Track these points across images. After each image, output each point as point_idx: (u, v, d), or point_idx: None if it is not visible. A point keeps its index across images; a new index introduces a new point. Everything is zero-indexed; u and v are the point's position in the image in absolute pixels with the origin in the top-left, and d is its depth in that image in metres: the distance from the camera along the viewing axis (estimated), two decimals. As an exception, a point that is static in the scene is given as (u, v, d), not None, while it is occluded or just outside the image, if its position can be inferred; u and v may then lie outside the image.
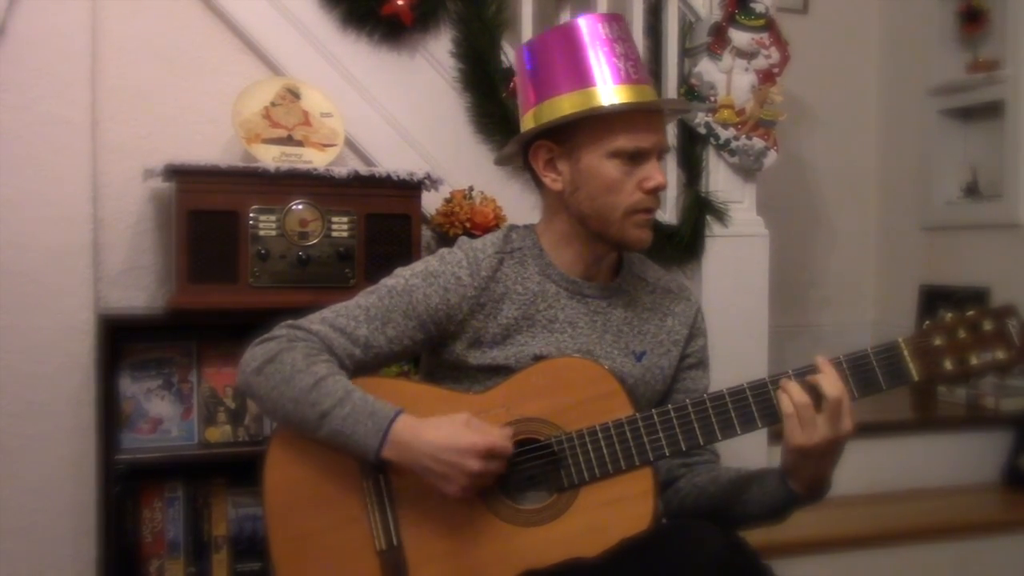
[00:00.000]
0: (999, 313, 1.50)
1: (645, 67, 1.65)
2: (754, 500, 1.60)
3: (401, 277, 1.65)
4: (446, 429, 1.50)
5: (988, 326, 1.49)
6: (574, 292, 1.67)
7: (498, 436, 1.50)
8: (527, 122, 1.66)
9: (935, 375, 1.50)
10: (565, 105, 1.59)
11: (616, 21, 1.64)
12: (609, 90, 1.58)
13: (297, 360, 1.55)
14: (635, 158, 1.58)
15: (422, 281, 1.63)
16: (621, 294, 1.71)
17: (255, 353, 1.60)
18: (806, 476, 1.53)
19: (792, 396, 1.47)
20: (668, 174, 2.91)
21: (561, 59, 1.61)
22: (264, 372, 1.57)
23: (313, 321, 1.62)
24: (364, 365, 1.63)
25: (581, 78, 1.59)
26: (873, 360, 1.50)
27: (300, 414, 1.54)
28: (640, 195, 1.60)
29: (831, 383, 1.46)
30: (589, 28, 1.61)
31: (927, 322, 1.53)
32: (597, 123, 1.58)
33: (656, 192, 1.61)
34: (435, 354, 1.69)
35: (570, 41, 1.61)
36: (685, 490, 1.72)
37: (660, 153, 1.62)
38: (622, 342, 1.68)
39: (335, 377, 1.54)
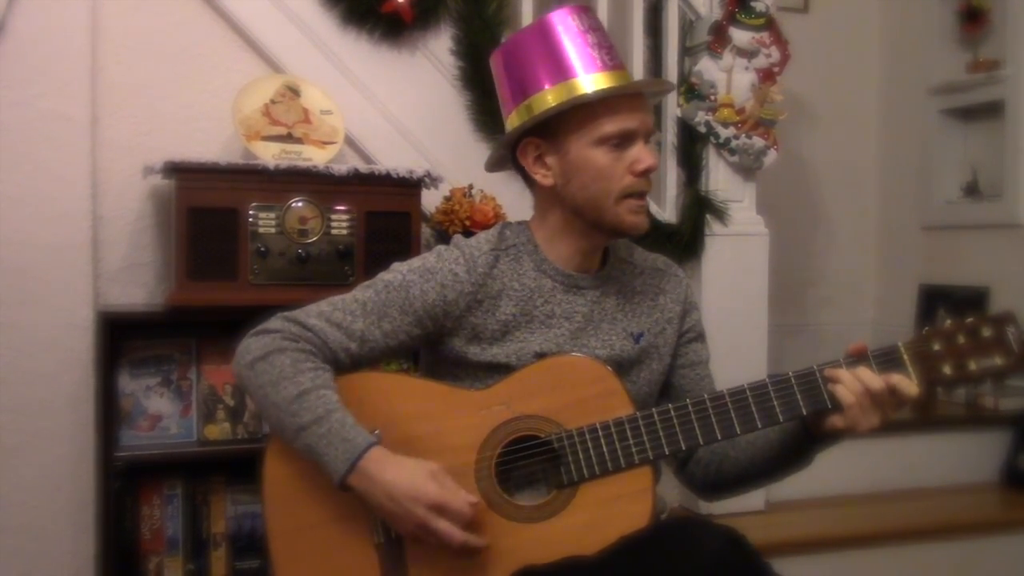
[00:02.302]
0: (998, 320, 1.51)
1: (618, 53, 1.67)
2: (780, 456, 1.63)
3: (398, 272, 1.65)
4: (409, 473, 1.49)
5: (987, 332, 1.50)
6: (570, 286, 1.67)
7: (457, 497, 1.49)
8: (509, 124, 1.67)
9: (934, 379, 1.51)
10: (546, 101, 1.61)
11: (584, 12, 1.66)
12: (588, 79, 1.59)
13: (286, 365, 1.55)
14: (622, 142, 1.60)
15: (419, 277, 1.63)
16: (612, 281, 1.72)
17: (249, 346, 1.61)
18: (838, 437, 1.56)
19: (852, 387, 1.49)
20: (668, 173, 2.92)
21: (536, 56, 1.63)
22: (255, 368, 1.58)
23: (310, 314, 1.62)
24: (360, 359, 1.63)
25: (558, 72, 1.61)
26: (873, 363, 1.51)
27: (280, 421, 1.55)
28: (631, 179, 1.61)
29: (907, 383, 1.49)
30: (560, 22, 1.63)
31: (927, 328, 1.54)
32: (580, 113, 1.59)
33: (647, 174, 1.62)
34: (435, 351, 1.69)
35: (543, 37, 1.63)
36: (706, 459, 1.73)
37: (647, 135, 1.63)
38: (619, 327, 1.69)
39: (319, 392, 1.54)
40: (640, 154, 1.60)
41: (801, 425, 1.57)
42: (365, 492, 1.50)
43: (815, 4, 4.01)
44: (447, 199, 2.59)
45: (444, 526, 1.47)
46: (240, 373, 1.61)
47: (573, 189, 1.62)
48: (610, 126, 1.59)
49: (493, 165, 1.80)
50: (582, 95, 1.58)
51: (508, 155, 1.71)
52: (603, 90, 1.58)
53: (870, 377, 1.48)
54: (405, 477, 1.48)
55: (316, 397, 1.53)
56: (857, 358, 1.52)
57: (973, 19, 3.62)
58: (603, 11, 2.86)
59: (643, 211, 1.64)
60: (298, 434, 1.52)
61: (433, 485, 1.48)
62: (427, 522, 1.47)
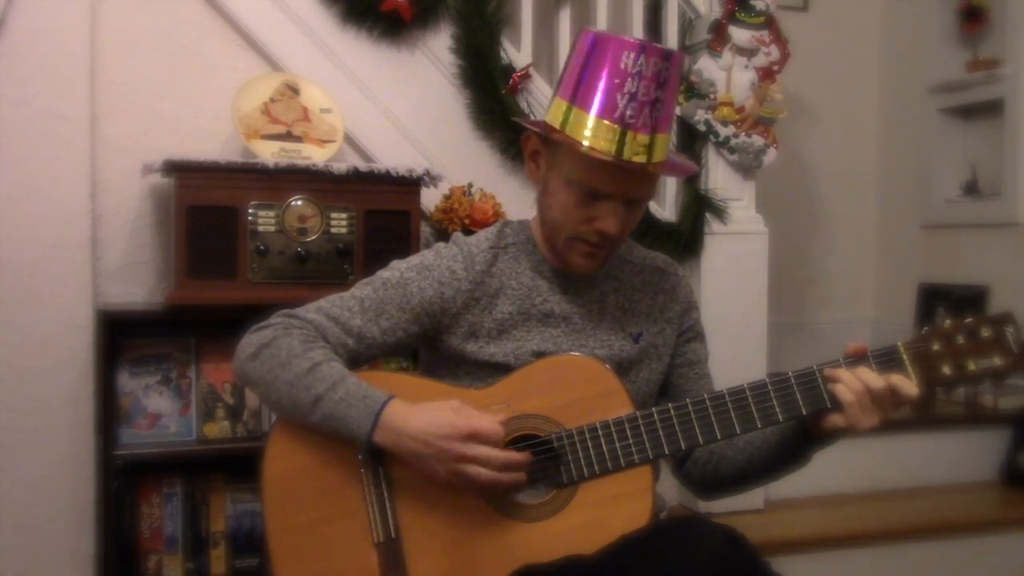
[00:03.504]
0: (997, 320, 1.51)
1: (654, 113, 1.51)
2: (778, 456, 1.62)
3: (396, 270, 1.66)
4: (432, 414, 1.51)
5: (986, 333, 1.51)
6: (567, 286, 1.68)
7: (484, 421, 1.50)
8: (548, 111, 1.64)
9: (933, 379, 1.52)
10: (557, 112, 1.57)
11: (653, 54, 1.51)
12: (593, 121, 1.51)
13: (294, 345, 1.57)
14: (591, 195, 1.56)
15: (417, 274, 1.64)
16: (610, 280, 1.72)
17: (251, 340, 1.62)
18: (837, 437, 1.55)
19: (852, 386, 1.48)
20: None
21: (583, 66, 1.54)
22: (260, 357, 1.58)
23: (308, 310, 1.63)
24: (357, 356, 1.63)
25: (580, 94, 1.53)
26: (873, 363, 1.51)
27: (294, 398, 1.55)
28: (587, 228, 1.58)
29: (907, 383, 1.48)
30: (620, 51, 1.51)
31: (926, 327, 1.54)
32: (569, 146, 1.54)
33: (603, 235, 1.57)
34: (432, 349, 1.70)
35: (598, 54, 1.53)
36: (703, 459, 1.73)
37: (627, 200, 1.57)
38: (618, 326, 1.69)
39: (330, 363, 1.55)
40: (604, 214, 1.56)
41: (799, 425, 1.57)
42: (394, 445, 1.51)
43: (815, 3, 4.00)
44: (446, 197, 2.59)
45: (482, 450, 1.48)
46: (243, 366, 1.61)
47: (543, 202, 1.65)
48: (582, 176, 1.55)
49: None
50: (555, 132, 1.54)
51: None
52: (572, 140, 1.51)
53: (870, 377, 1.48)
54: (431, 419, 1.49)
55: (328, 367, 1.54)
56: (856, 358, 1.52)
57: (973, 18, 3.62)
58: (603, 10, 2.86)
59: (594, 256, 1.62)
60: (315, 405, 1.53)
61: (461, 418, 1.49)
62: (464, 452, 1.47)
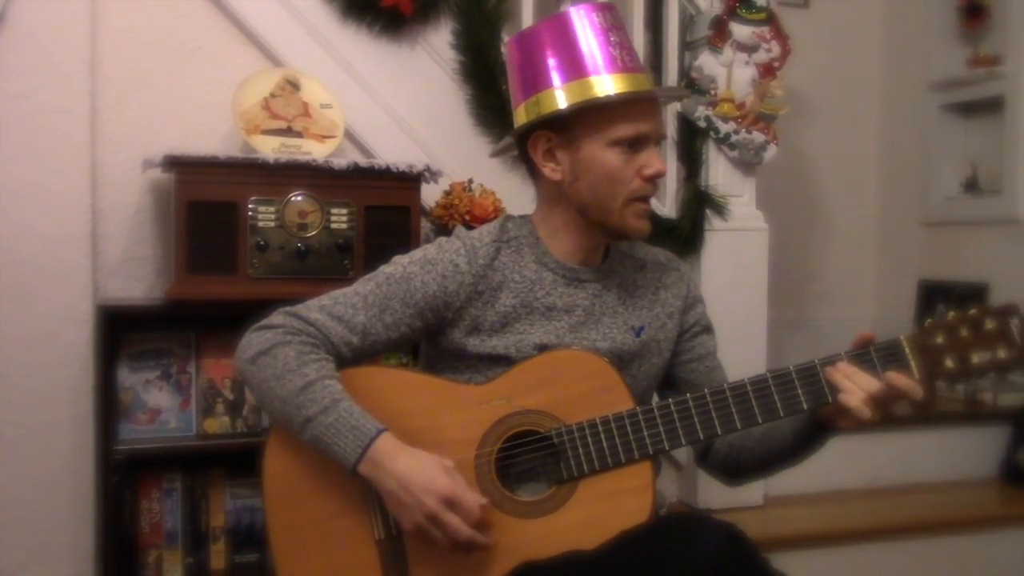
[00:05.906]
0: (1001, 312, 1.49)
1: (637, 54, 1.66)
2: (795, 447, 1.64)
3: (399, 265, 1.65)
4: (421, 462, 1.50)
5: (990, 325, 1.49)
6: (571, 279, 1.68)
7: (468, 493, 1.49)
8: (520, 114, 1.66)
9: (936, 373, 1.50)
10: (562, 96, 1.60)
11: (608, 10, 1.64)
12: (606, 80, 1.58)
13: (290, 358, 1.55)
14: (634, 145, 1.60)
15: (420, 269, 1.63)
16: (613, 274, 1.72)
17: (251, 340, 1.61)
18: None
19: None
20: (668, 168, 2.91)
21: (554, 50, 1.62)
22: (257, 363, 1.58)
23: (311, 309, 1.62)
24: (362, 353, 1.63)
25: (577, 68, 1.60)
26: (875, 356, 1.50)
27: (286, 414, 1.55)
28: (639, 183, 1.61)
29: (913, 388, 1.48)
30: (581, 18, 1.62)
31: (929, 320, 1.53)
32: (596, 113, 1.59)
33: (655, 179, 1.63)
34: (434, 343, 1.69)
35: (563, 32, 1.62)
36: (724, 451, 1.76)
37: (658, 140, 1.64)
38: (620, 320, 1.69)
39: (324, 382, 1.54)
40: (650, 159, 1.61)
41: (811, 415, 1.57)
42: (375, 480, 1.50)
43: (815, -1, 4.00)
44: (447, 193, 2.59)
45: (454, 520, 1.47)
46: (242, 368, 1.61)
47: (580, 187, 1.63)
48: (625, 129, 1.59)
49: (499, 152, 1.82)
50: (600, 97, 1.57)
51: (516, 145, 1.72)
52: (623, 94, 1.58)
53: (866, 380, 1.48)
54: (418, 467, 1.49)
55: (321, 388, 1.53)
56: (857, 351, 1.51)
57: (974, 14, 3.62)
58: (603, 5, 2.86)
59: (647, 215, 1.65)
60: (305, 426, 1.52)
61: (447, 479, 1.48)
62: (437, 514, 1.46)
